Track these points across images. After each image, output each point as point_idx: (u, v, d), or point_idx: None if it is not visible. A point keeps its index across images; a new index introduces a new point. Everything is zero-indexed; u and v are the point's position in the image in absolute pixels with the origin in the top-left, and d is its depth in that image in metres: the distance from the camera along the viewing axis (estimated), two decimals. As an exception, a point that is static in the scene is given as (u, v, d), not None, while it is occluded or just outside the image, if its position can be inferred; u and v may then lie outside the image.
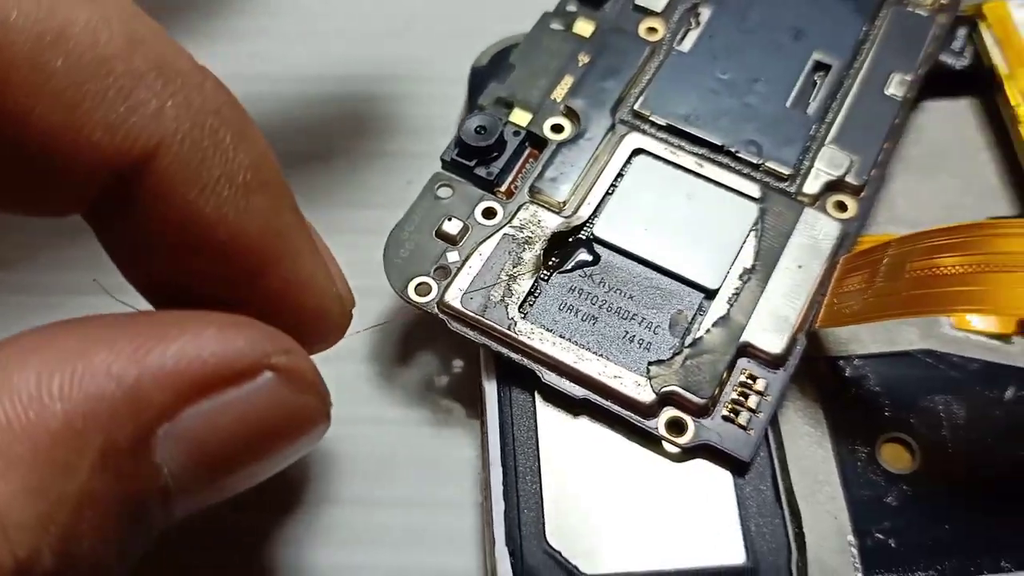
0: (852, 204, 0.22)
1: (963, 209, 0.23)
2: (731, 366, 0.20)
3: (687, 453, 0.19)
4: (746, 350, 0.20)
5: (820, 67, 0.24)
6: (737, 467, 0.19)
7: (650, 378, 0.19)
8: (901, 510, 0.19)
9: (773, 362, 0.20)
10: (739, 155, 0.22)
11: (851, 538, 0.19)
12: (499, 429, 0.20)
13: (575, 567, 0.18)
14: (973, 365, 0.21)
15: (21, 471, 0.13)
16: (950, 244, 0.19)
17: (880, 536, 0.19)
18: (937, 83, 0.24)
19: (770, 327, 0.20)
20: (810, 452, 0.20)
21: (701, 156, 0.22)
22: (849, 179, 0.22)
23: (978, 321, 0.21)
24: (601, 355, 0.20)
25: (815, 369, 0.21)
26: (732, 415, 0.19)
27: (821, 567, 0.19)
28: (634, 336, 0.20)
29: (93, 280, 0.18)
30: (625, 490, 0.19)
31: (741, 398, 0.20)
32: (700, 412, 0.19)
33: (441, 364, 0.23)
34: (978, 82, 0.24)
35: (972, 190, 0.23)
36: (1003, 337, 0.21)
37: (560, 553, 0.18)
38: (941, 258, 0.19)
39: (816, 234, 0.21)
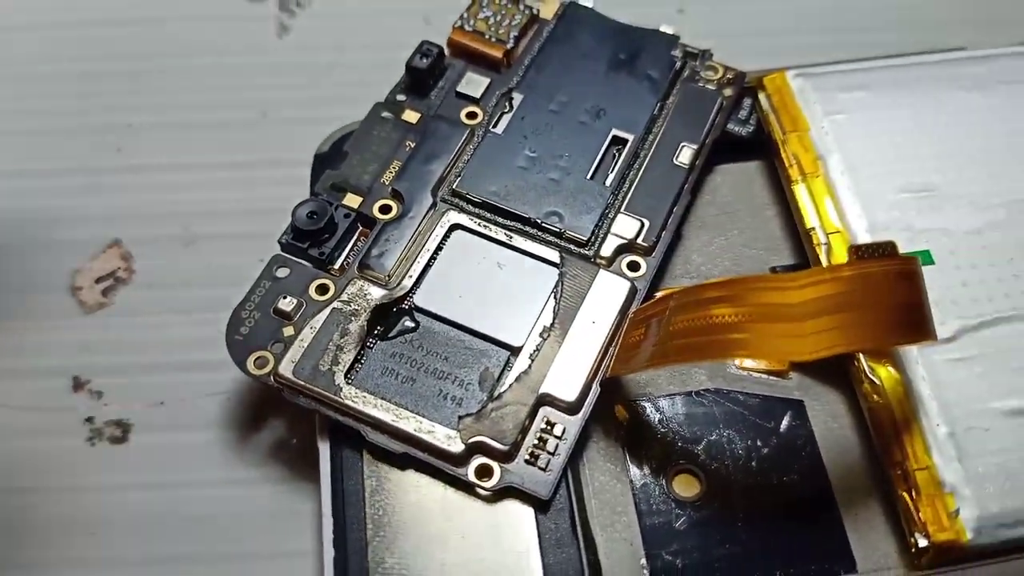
0: (643, 263, 0.25)
1: (750, 260, 0.26)
2: (532, 414, 0.22)
3: (496, 495, 0.22)
4: (545, 399, 0.23)
5: (618, 141, 0.27)
6: (539, 505, 0.22)
7: (460, 431, 0.22)
8: (688, 533, 0.22)
9: (569, 409, 0.23)
10: (544, 225, 0.25)
11: (643, 561, 0.22)
12: (331, 484, 0.22)
13: (394, 604, 0.21)
14: (753, 400, 0.24)
15: None
16: (722, 297, 0.22)
17: (669, 558, 0.22)
18: (728, 148, 0.28)
19: (566, 378, 0.23)
20: (610, 486, 0.23)
21: (511, 228, 0.25)
22: (640, 241, 0.25)
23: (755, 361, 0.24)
24: (417, 413, 0.22)
25: (616, 412, 0.24)
26: (532, 458, 0.22)
27: (617, 589, 0.21)
28: (448, 394, 0.23)
29: None
30: (442, 532, 0.22)
31: (540, 442, 0.22)
32: (505, 457, 0.22)
33: (289, 427, 0.25)
34: (762, 146, 0.27)
35: (758, 243, 0.26)
36: (780, 373, 0.24)
37: (382, 592, 0.21)
38: (714, 309, 0.21)
39: (609, 292, 0.24)
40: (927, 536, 0.21)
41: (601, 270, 0.24)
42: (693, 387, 0.24)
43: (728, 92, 0.28)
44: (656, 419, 0.24)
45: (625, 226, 0.25)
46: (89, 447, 0.25)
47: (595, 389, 0.23)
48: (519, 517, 0.22)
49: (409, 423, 0.22)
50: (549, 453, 0.22)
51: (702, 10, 0.33)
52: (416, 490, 0.22)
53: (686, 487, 0.23)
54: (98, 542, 0.24)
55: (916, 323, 0.21)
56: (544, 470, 0.22)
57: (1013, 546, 0.21)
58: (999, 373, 0.23)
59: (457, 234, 0.25)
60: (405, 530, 0.22)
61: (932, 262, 0.24)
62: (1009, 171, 0.26)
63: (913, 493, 0.21)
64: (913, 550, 0.21)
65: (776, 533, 0.22)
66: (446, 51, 0.28)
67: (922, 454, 0.22)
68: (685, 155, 0.26)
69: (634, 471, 0.23)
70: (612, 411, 0.24)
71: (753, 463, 0.23)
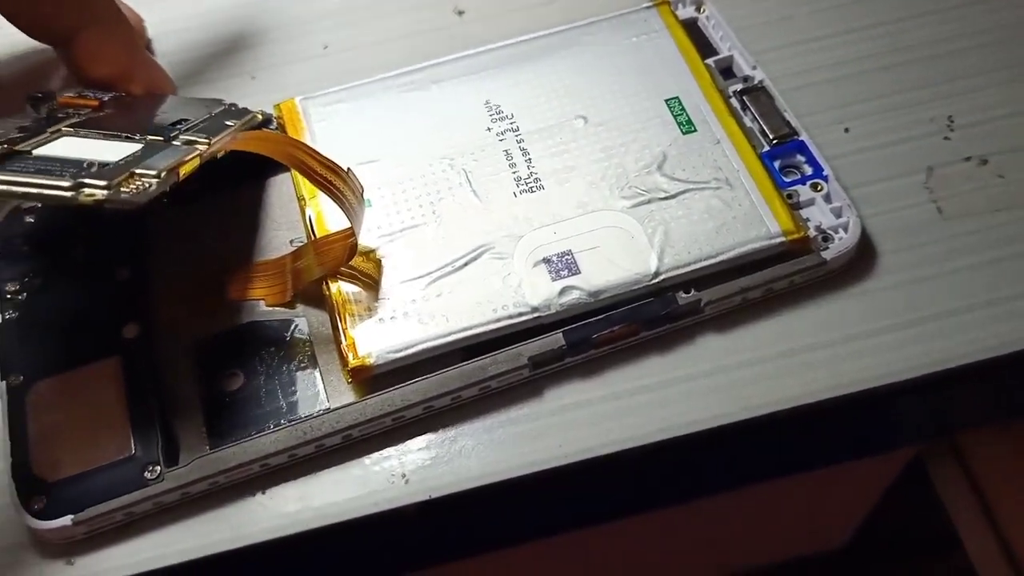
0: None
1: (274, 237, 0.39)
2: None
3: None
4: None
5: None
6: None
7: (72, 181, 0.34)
8: (232, 405, 0.35)
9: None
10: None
11: (202, 428, 0.34)
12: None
13: None
14: (275, 322, 0.37)
15: None
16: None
17: (217, 423, 0.34)
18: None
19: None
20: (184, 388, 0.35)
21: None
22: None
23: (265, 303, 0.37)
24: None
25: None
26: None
27: None
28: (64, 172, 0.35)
29: None
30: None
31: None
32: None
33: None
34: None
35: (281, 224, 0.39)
36: (289, 305, 0.37)
37: None
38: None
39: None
40: (347, 365, 0.34)
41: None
42: (241, 320, 0.37)
43: (259, 118, 0.41)
44: (223, 342, 0.36)
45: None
46: None
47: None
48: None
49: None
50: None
51: (270, 75, 0.46)
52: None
53: (233, 382, 0.35)
54: None
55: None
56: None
57: (403, 364, 0.34)
58: (411, 261, 0.36)
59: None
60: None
61: (371, 205, 0.37)
62: (430, 141, 0.39)
63: (345, 349, 0.34)
64: (346, 372, 0.34)
65: (276, 393, 0.35)
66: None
67: (348, 330, 0.35)
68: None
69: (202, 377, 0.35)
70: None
71: (275, 358, 0.36)
